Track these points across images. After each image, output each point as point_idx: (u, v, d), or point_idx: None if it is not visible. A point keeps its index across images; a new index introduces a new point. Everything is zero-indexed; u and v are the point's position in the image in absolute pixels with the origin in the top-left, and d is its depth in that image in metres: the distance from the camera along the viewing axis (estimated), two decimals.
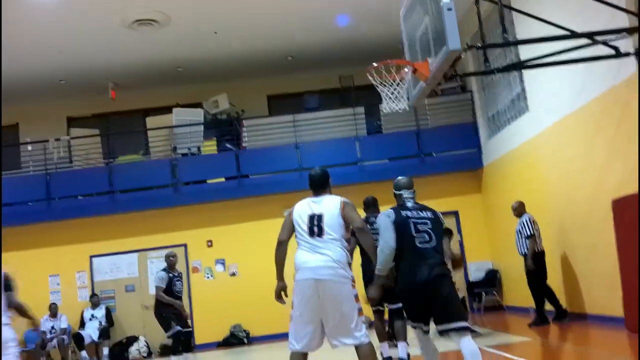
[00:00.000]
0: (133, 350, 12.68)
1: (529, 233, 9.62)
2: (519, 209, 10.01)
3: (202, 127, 13.89)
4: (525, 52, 9.32)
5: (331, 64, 14.47)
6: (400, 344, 6.95)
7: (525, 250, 9.66)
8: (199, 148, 13.86)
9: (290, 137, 13.53)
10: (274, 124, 13.76)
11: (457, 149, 13.46)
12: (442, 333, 4.93)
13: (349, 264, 5.02)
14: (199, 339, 13.05)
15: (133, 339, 12.86)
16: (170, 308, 8.98)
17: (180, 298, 9.22)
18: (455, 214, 13.64)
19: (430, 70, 6.34)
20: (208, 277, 13.39)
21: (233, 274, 13.38)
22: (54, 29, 11.72)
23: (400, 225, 5.15)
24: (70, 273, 13.41)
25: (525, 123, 10.71)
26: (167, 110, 14.13)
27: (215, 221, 13.37)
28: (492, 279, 13.02)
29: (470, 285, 13.20)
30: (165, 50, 13.23)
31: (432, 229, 5.19)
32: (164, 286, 8.99)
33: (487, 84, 12.87)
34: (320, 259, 4.91)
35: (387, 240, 5.12)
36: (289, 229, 5.25)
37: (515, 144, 11.23)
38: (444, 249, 5.40)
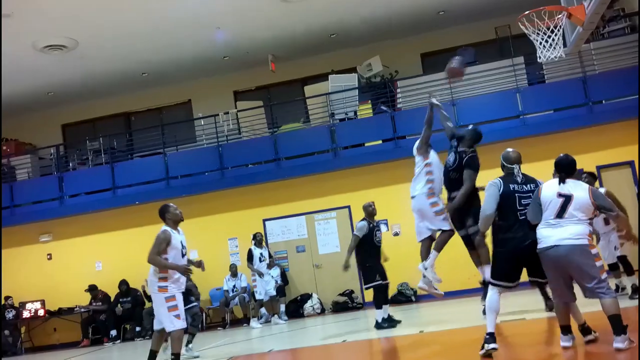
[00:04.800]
0: (307, 307, 13.47)
1: None
2: None
3: (357, 92, 14.14)
4: None
5: (485, 14, 14.01)
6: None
7: None
8: (355, 112, 14.16)
9: (446, 94, 13.35)
10: (428, 82, 13.63)
11: (628, 95, 12.43)
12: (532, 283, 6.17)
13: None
14: (368, 296, 13.50)
15: (306, 297, 13.66)
16: (373, 260, 9.17)
17: (379, 248, 9.35)
18: (631, 164, 12.74)
19: (586, 13, 6.01)
20: None
21: (396, 234, 13.66)
22: (215, 9, 12.50)
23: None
24: (246, 236, 14.42)
25: None
26: (324, 77, 14.57)
27: (375, 183, 13.66)
28: None
29: None
30: (318, 18, 13.60)
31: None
32: (360, 235, 9.13)
33: None
34: None
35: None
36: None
37: None
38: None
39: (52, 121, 17.07)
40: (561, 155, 5.70)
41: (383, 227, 13.66)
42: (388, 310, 9.32)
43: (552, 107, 12.89)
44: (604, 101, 12.69)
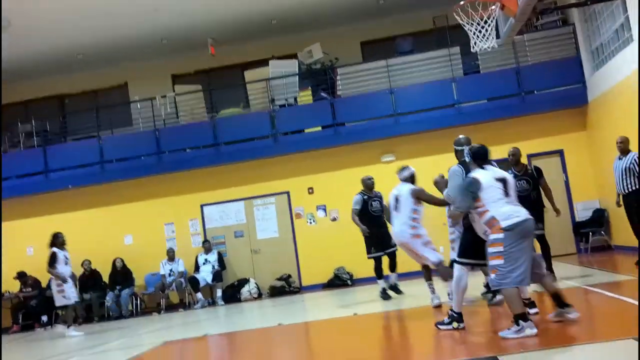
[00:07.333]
0: (244, 291, 13.45)
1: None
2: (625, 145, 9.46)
3: (297, 78, 14.15)
4: None
5: (424, 4, 14.19)
6: None
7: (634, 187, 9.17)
8: (295, 99, 14.17)
9: (385, 82, 13.52)
10: (367, 70, 13.77)
11: (559, 85, 12.93)
12: None
13: None
14: (305, 280, 13.69)
15: (244, 282, 13.65)
16: (374, 229, 9.53)
17: (377, 217, 9.69)
18: (560, 152, 13.24)
19: (518, 5, 6.20)
20: (310, 223, 13.89)
21: (334, 219, 13.78)
22: None
23: None
24: (183, 221, 14.32)
25: (631, 54, 10.10)
26: (264, 63, 14.49)
27: (315, 169, 13.76)
28: (600, 218, 12.60)
29: (577, 226, 12.87)
30: (259, 3, 13.48)
31: None
32: (357, 207, 9.64)
33: (589, 15, 12.17)
34: None
35: None
36: None
37: (622, 76, 10.64)
38: None
39: None
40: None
41: (321, 213, 13.85)
42: (395, 278, 9.87)
43: (486, 97, 13.23)
44: (535, 91, 13.10)
